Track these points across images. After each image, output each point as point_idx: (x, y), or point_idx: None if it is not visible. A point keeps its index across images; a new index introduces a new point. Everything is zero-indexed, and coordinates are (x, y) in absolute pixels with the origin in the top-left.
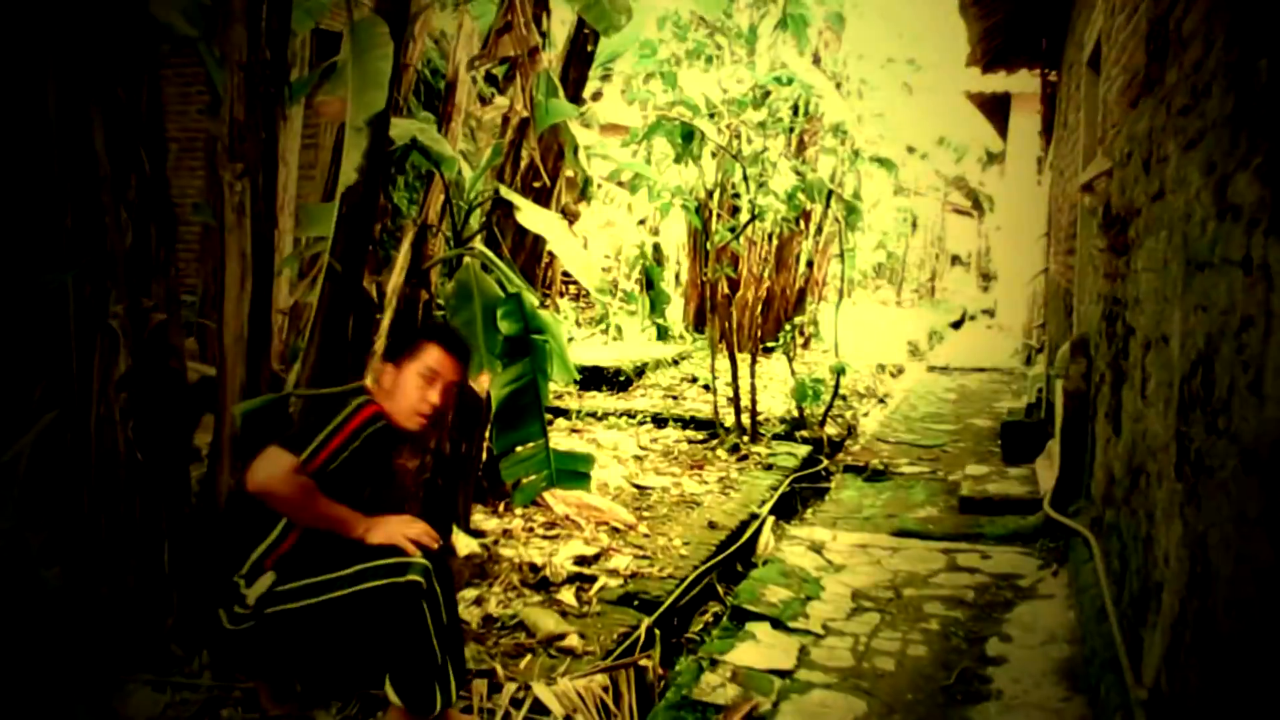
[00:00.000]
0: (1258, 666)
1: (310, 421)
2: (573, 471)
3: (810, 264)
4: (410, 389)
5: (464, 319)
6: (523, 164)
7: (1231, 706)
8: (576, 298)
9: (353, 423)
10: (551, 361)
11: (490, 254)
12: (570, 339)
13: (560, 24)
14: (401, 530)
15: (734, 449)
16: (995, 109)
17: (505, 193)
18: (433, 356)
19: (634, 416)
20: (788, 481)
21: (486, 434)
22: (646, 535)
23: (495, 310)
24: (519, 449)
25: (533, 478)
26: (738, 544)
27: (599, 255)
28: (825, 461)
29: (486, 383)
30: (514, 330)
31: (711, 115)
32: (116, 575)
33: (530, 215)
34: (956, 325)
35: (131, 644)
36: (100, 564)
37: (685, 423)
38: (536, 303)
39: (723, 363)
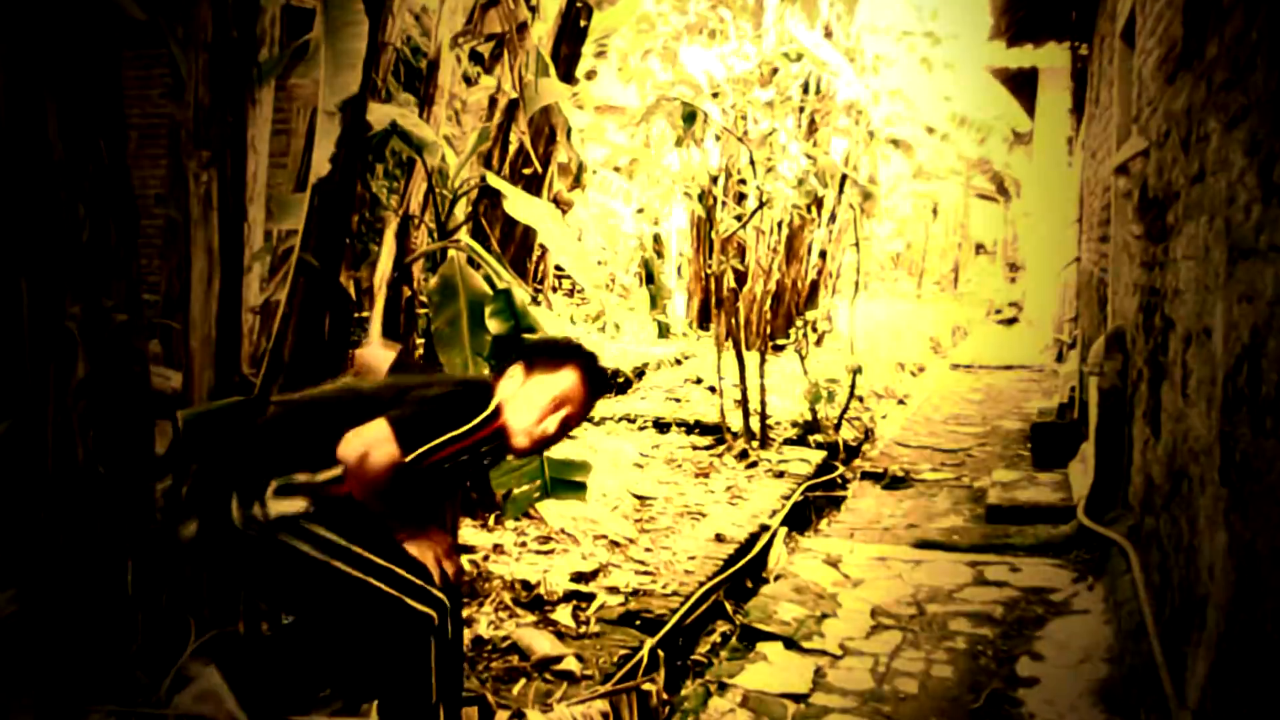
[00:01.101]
0: None
1: (430, 412)
2: (568, 481)
3: (823, 255)
4: (534, 408)
5: (448, 317)
6: (511, 149)
7: None
8: (571, 293)
9: (478, 436)
10: None
11: (477, 246)
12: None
13: None
14: (435, 551)
15: (742, 455)
16: (1021, 86)
17: (493, 180)
18: (570, 383)
19: (634, 421)
20: (800, 490)
21: None
22: (648, 549)
23: (482, 308)
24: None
25: (525, 488)
26: (747, 558)
27: (594, 247)
28: (841, 468)
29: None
30: (504, 330)
31: (715, 95)
32: (75, 597)
33: (519, 204)
34: (1011, 322)
35: (93, 671)
36: (58, 586)
37: (689, 427)
38: (527, 299)
39: (729, 362)
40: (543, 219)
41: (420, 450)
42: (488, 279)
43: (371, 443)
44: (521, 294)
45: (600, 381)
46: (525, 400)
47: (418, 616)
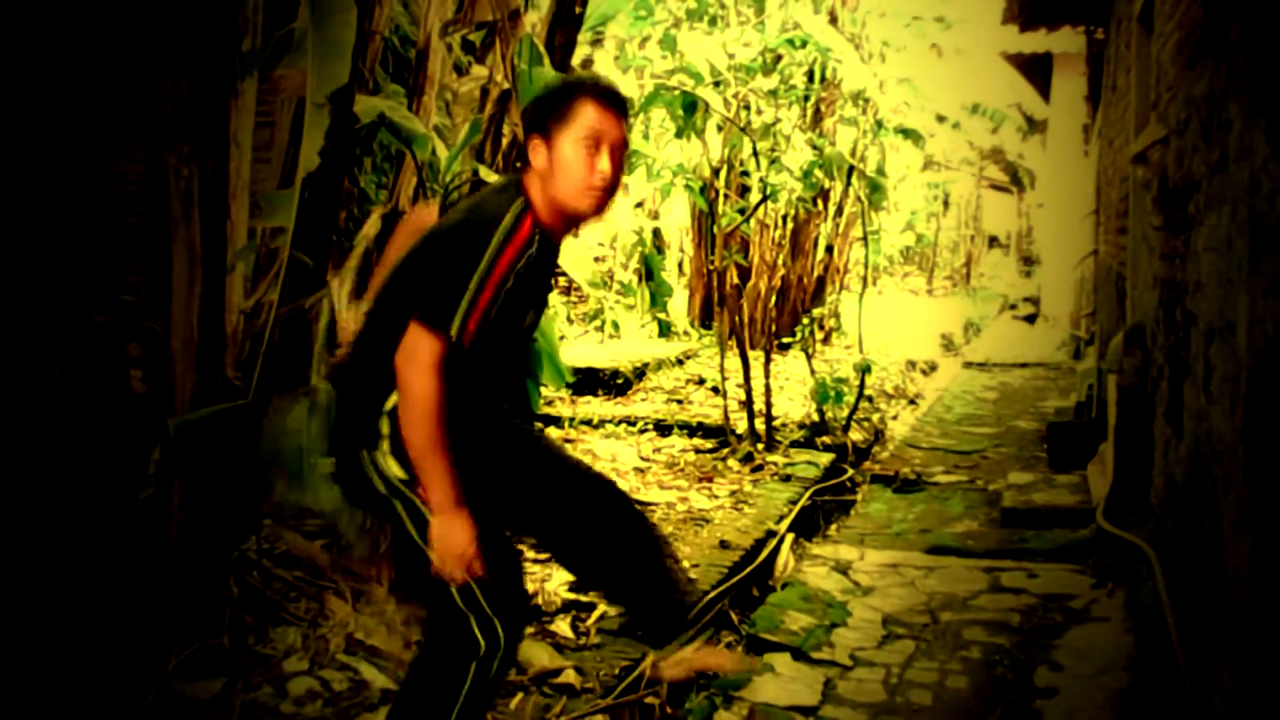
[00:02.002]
0: None
1: (443, 264)
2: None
3: (830, 249)
4: (573, 162)
5: None
6: (504, 141)
7: None
8: (567, 291)
9: (506, 255)
10: (541, 365)
11: None
12: (561, 338)
13: None
14: (456, 555)
15: (747, 458)
16: (1035, 72)
17: (485, 174)
18: (591, 117)
19: (634, 424)
20: (808, 494)
21: None
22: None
23: None
24: None
25: None
26: (753, 565)
27: (591, 243)
28: (850, 471)
29: None
30: None
31: (716, 83)
32: (54, 611)
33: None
34: (1030, 319)
35: (74, 689)
36: (36, 598)
37: (692, 430)
38: None
39: (733, 361)
40: None
41: (457, 320)
42: None
43: (411, 346)
44: None
45: (618, 99)
46: (559, 165)
47: (468, 640)
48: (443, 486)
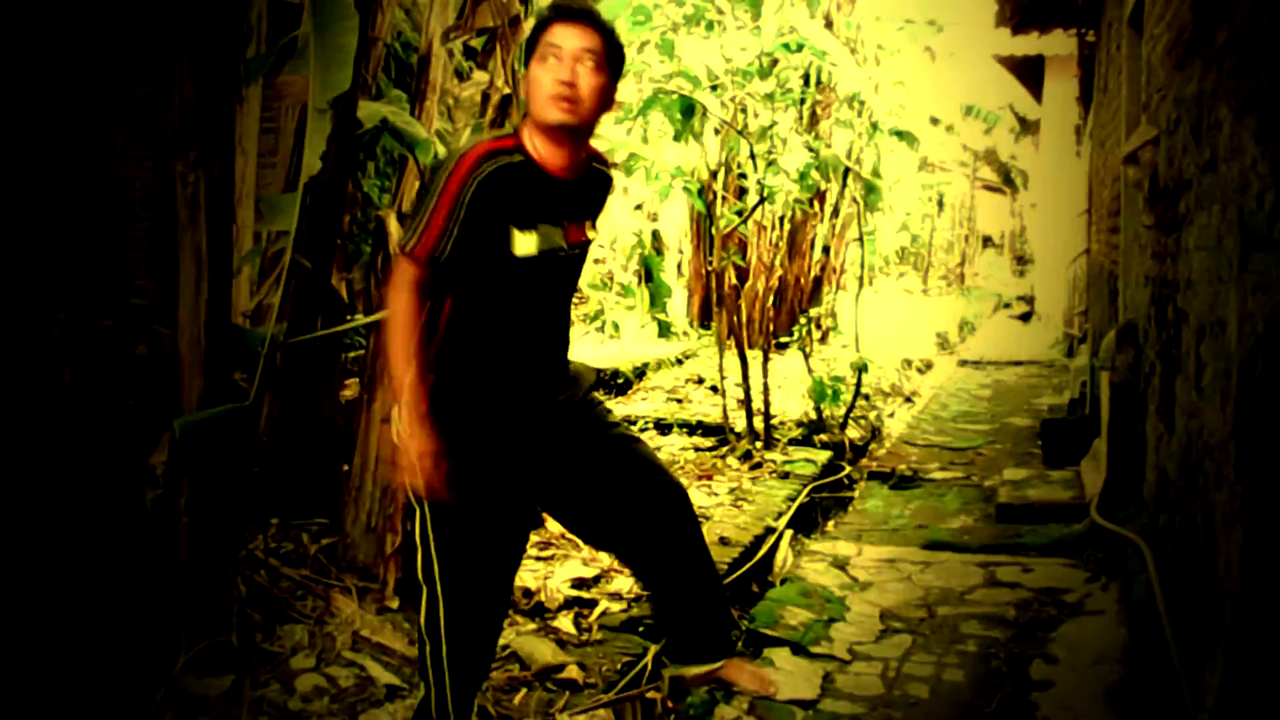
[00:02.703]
0: None
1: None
2: None
3: (826, 250)
4: (536, 78)
5: None
6: None
7: None
8: None
9: (456, 175)
10: None
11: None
12: None
13: None
14: (411, 464)
15: (746, 456)
16: (1027, 74)
17: None
18: (551, 34)
19: (634, 422)
20: (806, 491)
21: None
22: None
23: None
24: None
25: None
26: (752, 561)
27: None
28: (847, 468)
29: None
30: None
31: (714, 87)
32: (63, 610)
33: None
34: (1026, 318)
35: (83, 686)
36: (46, 598)
37: (691, 428)
38: None
39: (731, 361)
40: None
41: (412, 235)
42: None
43: (390, 282)
44: None
45: (576, 11)
46: (529, 85)
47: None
48: (410, 398)
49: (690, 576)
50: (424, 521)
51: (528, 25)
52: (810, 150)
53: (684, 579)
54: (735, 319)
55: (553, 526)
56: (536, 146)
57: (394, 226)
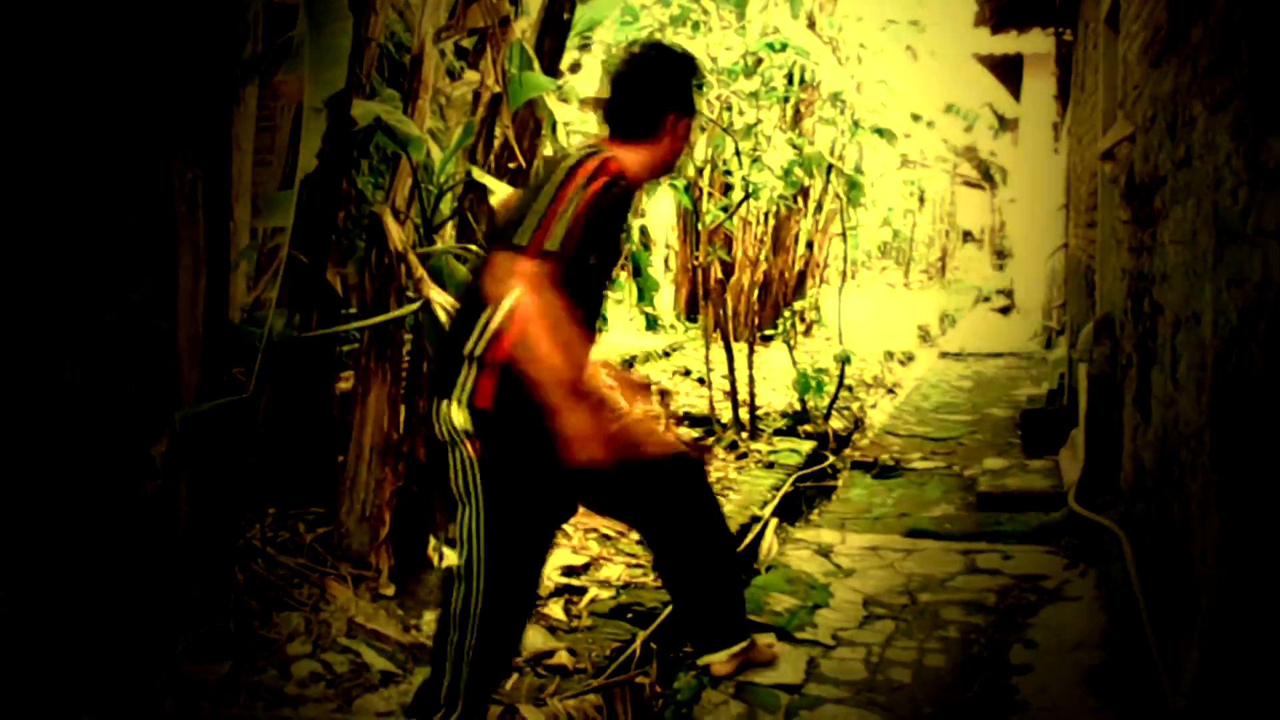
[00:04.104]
0: None
1: (523, 201)
2: None
3: (810, 245)
4: (684, 139)
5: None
6: (496, 143)
7: (1277, 717)
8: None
9: (598, 182)
10: None
11: (456, 265)
12: None
13: None
14: (582, 439)
15: (732, 446)
16: (1006, 72)
17: (478, 176)
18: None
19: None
20: (791, 480)
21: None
22: (639, 542)
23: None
24: None
25: None
26: (738, 549)
27: None
28: (831, 458)
29: None
30: None
31: (700, 86)
32: (65, 596)
33: (504, 199)
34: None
35: (84, 672)
36: (48, 584)
37: (678, 419)
38: None
39: (718, 353)
40: None
41: (557, 237)
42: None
43: (512, 270)
44: None
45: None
46: (683, 138)
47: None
48: (559, 386)
49: (709, 551)
50: (476, 515)
51: (517, 25)
52: (794, 147)
53: (702, 554)
54: (721, 312)
55: None
56: (631, 169)
57: (391, 224)
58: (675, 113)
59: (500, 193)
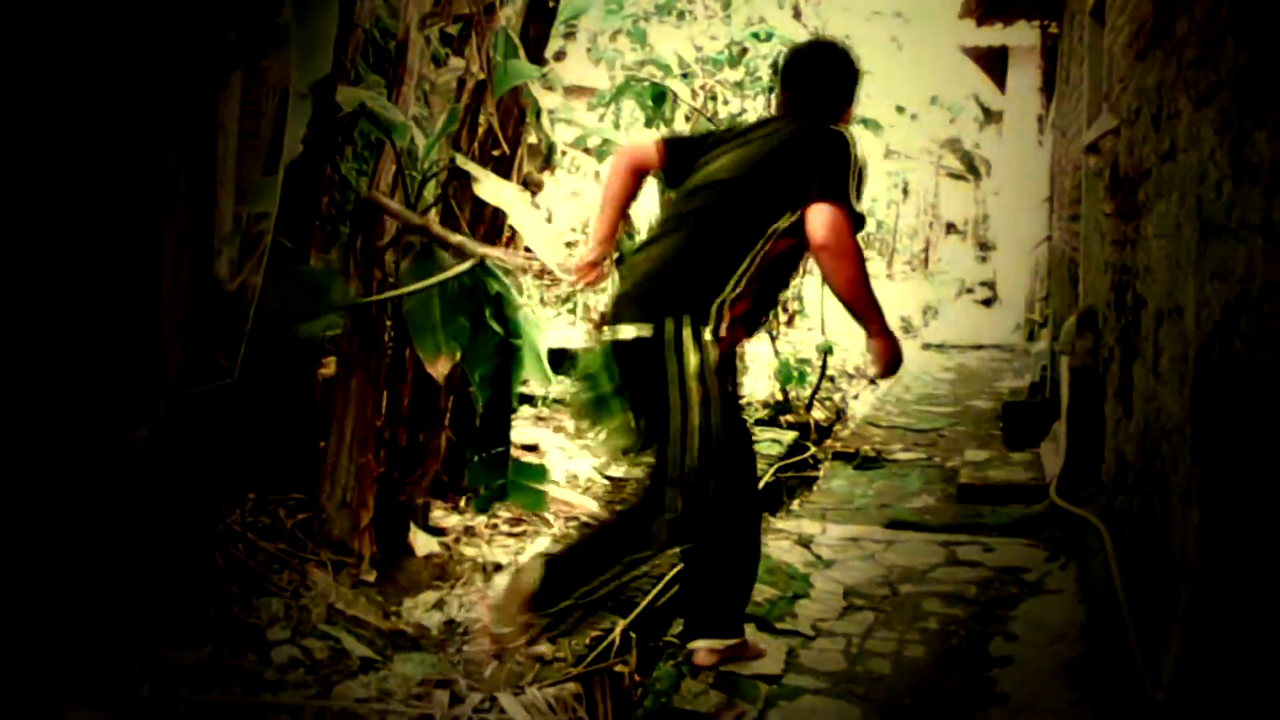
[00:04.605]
0: None
1: (836, 163)
2: (526, 487)
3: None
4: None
5: (421, 298)
6: (480, 130)
7: (1255, 710)
8: (540, 275)
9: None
10: (524, 364)
11: (453, 237)
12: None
13: None
14: (895, 364)
15: None
16: (992, 65)
17: (462, 163)
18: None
19: None
20: (772, 470)
21: (445, 424)
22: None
23: (456, 291)
24: (479, 457)
25: (488, 491)
26: None
27: (564, 227)
28: (812, 448)
29: (445, 369)
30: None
31: (684, 75)
32: (44, 581)
33: (489, 187)
34: (988, 303)
35: (62, 657)
36: (27, 569)
37: None
38: (519, 302)
39: None
40: (512, 201)
41: (851, 192)
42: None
43: (833, 214)
44: (515, 298)
45: None
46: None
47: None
48: (878, 317)
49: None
50: (716, 398)
51: (502, 12)
52: None
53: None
54: None
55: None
56: None
57: (388, 203)
58: (850, 104)
59: (485, 180)
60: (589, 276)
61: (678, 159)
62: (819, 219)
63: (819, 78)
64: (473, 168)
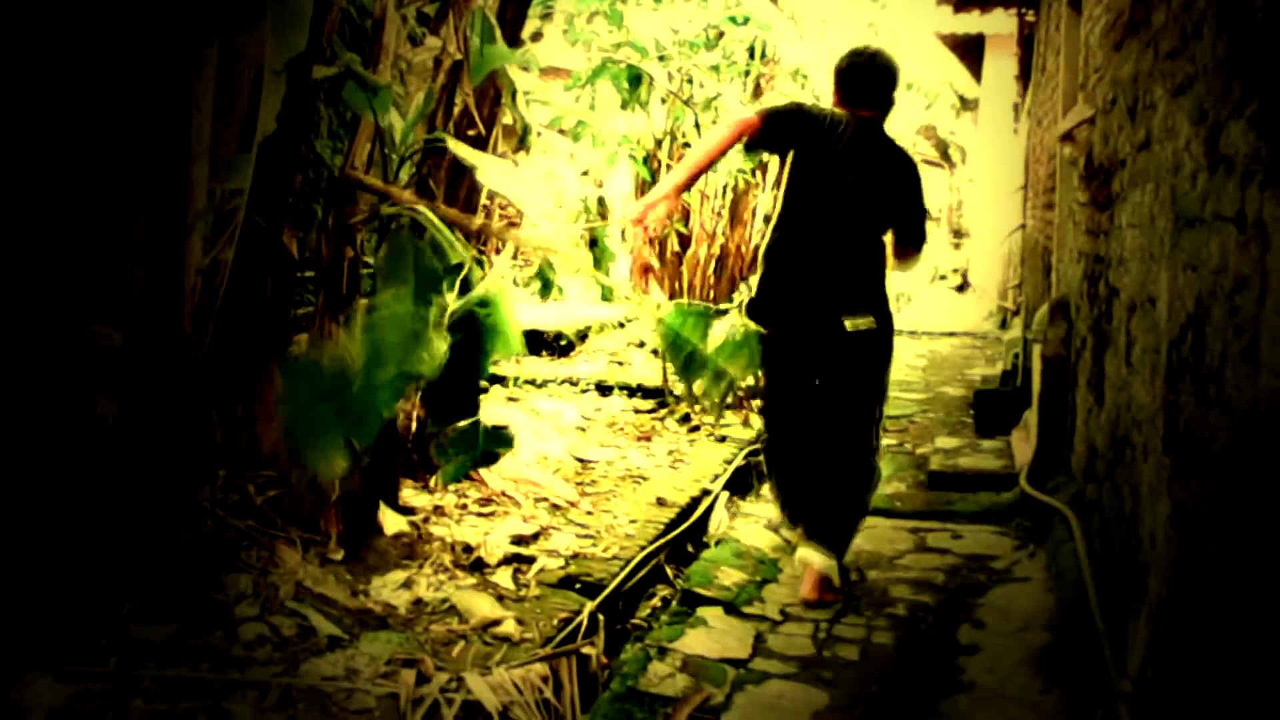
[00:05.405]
0: (1251, 657)
1: (918, 181)
2: (499, 440)
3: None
4: None
5: (395, 285)
6: (456, 110)
7: (1221, 701)
8: (515, 256)
9: None
10: (494, 336)
11: (433, 217)
12: None
13: None
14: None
15: (684, 419)
16: (968, 52)
17: (454, 146)
18: None
19: (576, 384)
20: (743, 454)
21: (415, 403)
22: (589, 513)
23: (430, 275)
24: (449, 429)
25: (460, 459)
26: (688, 522)
27: (540, 208)
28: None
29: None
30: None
31: (661, 58)
32: (13, 556)
33: (491, 173)
34: (961, 289)
35: (29, 629)
36: None
37: (631, 390)
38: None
39: None
40: (512, 183)
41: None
42: (434, 246)
43: (918, 247)
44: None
45: None
46: None
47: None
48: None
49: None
50: (887, 364)
51: None
52: None
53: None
54: (677, 285)
55: (493, 484)
56: None
57: (365, 179)
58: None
59: (468, 158)
60: (659, 223)
61: (771, 134)
62: (919, 236)
63: (879, 79)
64: (457, 147)
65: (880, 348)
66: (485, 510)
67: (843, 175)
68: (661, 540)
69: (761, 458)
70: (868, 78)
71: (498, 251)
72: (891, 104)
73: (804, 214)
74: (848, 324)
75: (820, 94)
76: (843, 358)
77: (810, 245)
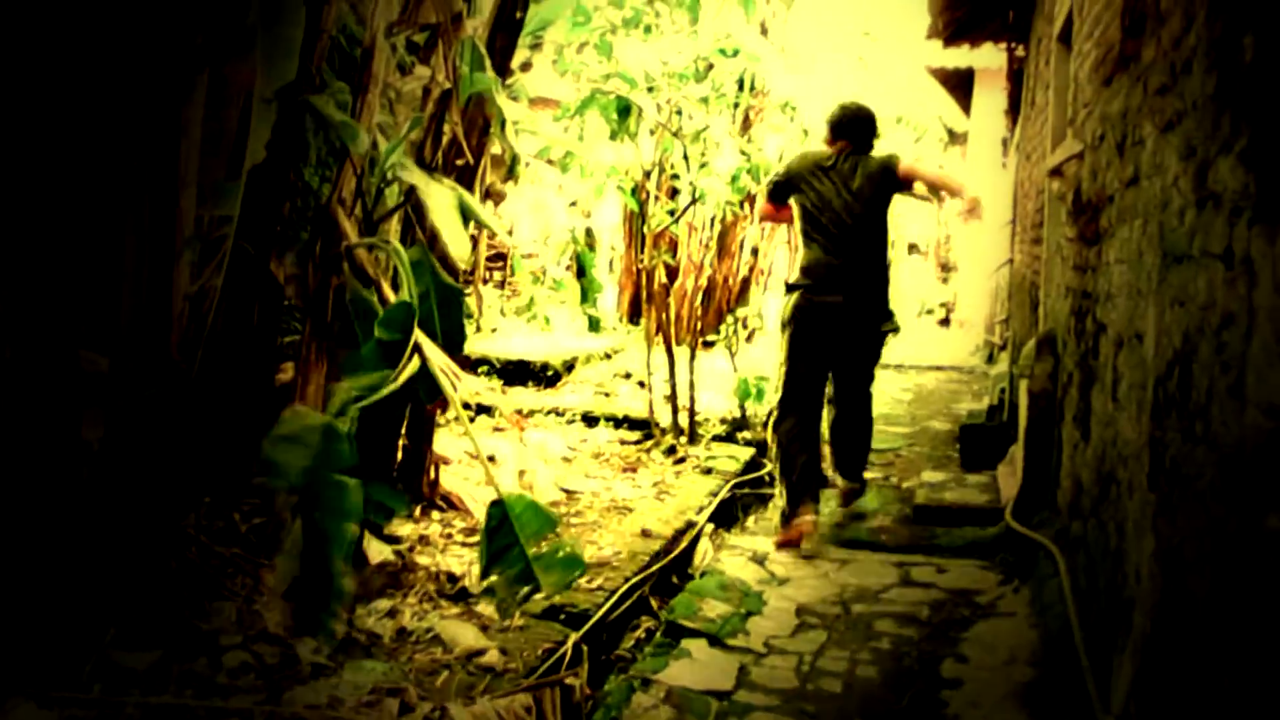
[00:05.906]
0: (1234, 694)
1: (893, 167)
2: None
3: (755, 252)
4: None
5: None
6: (444, 139)
7: None
8: (501, 285)
9: None
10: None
11: (401, 250)
12: (494, 329)
13: None
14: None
15: (670, 451)
16: (957, 86)
17: (405, 173)
18: None
19: (562, 414)
20: (728, 487)
21: (402, 432)
22: (574, 544)
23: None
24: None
25: (516, 588)
26: (673, 554)
27: (526, 238)
28: (769, 465)
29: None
30: (392, 337)
31: (650, 89)
32: None
33: (431, 192)
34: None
35: (11, 657)
36: None
37: (618, 422)
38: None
39: (659, 357)
40: (438, 200)
41: None
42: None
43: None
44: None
45: None
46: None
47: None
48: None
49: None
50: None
51: (470, 23)
52: (743, 154)
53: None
54: (664, 316)
55: (479, 514)
56: None
57: (344, 221)
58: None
59: (429, 189)
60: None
61: (780, 193)
62: (913, 171)
63: (864, 125)
64: (417, 178)
65: (883, 332)
66: (470, 540)
67: (844, 183)
68: (646, 572)
69: (770, 458)
70: (852, 126)
71: (485, 281)
72: (872, 144)
73: (820, 218)
74: (884, 327)
75: (809, 126)
76: (866, 346)
77: (829, 237)
